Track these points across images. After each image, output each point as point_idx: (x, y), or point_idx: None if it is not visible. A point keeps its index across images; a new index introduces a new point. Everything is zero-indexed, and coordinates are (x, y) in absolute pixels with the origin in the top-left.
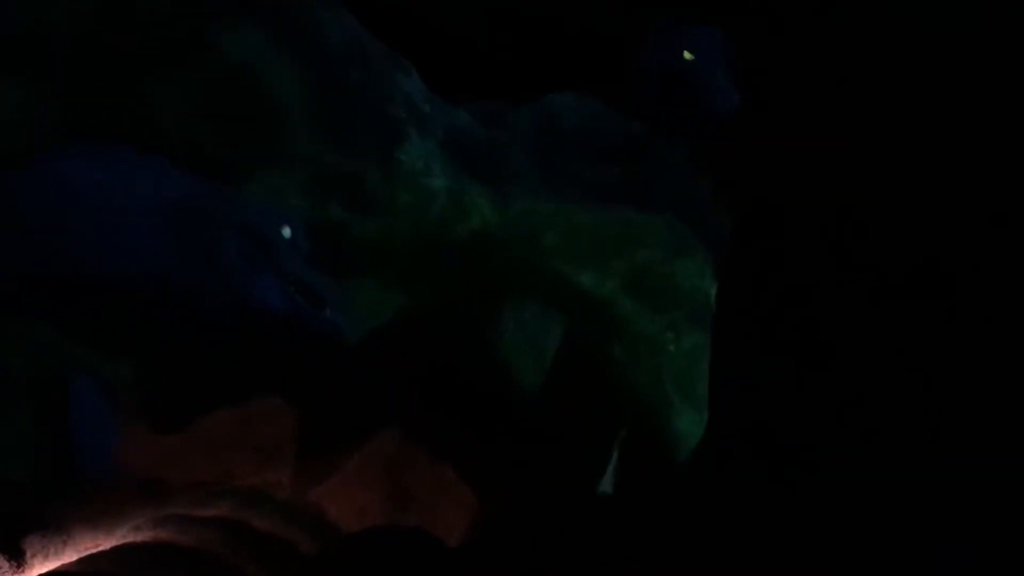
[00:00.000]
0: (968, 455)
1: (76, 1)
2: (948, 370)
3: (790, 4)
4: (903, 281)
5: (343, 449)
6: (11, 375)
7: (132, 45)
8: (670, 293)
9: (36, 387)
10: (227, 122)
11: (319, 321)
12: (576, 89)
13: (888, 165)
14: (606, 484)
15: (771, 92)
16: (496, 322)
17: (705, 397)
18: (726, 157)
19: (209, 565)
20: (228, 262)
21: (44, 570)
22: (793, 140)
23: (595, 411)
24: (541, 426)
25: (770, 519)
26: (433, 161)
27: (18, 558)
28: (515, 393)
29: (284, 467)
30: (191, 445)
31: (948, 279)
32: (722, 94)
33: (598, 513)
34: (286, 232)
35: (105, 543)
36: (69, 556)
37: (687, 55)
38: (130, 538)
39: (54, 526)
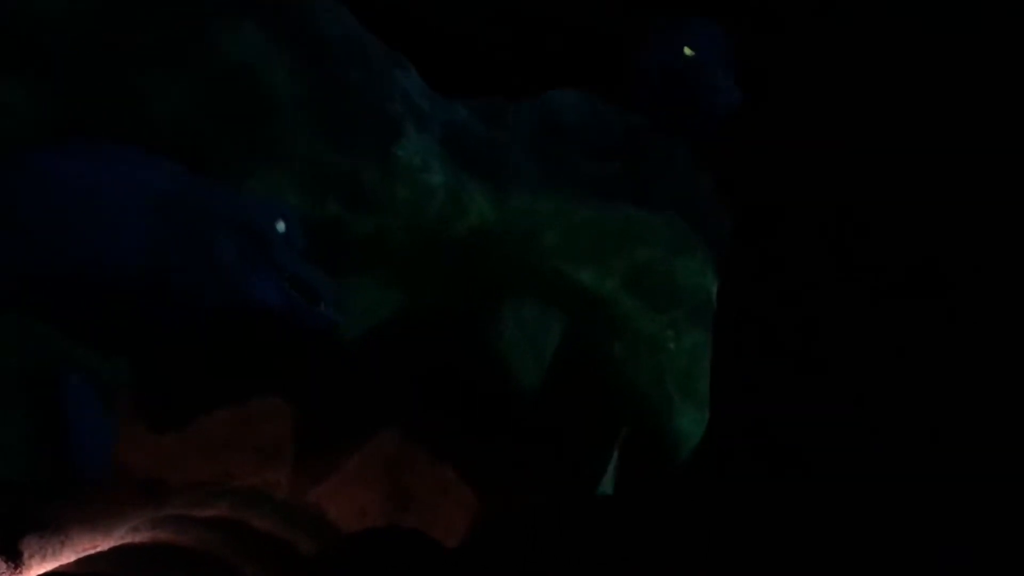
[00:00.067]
0: (968, 455)
1: (76, 0)
2: (948, 370)
3: (791, 1)
4: (904, 281)
5: (343, 449)
6: (6, 373)
7: (130, 43)
8: (671, 291)
9: (32, 385)
10: (224, 119)
11: (315, 317)
12: (576, 86)
13: (889, 164)
14: (606, 484)
15: (772, 90)
16: (495, 320)
17: (706, 396)
18: (727, 155)
19: (208, 565)
20: (223, 257)
21: (42, 571)
22: (794, 138)
23: (595, 410)
24: (541, 425)
25: (771, 519)
26: (431, 158)
27: (16, 559)
28: (514, 392)
29: (283, 467)
30: (190, 445)
31: (948, 279)
32: (723, 91)
33: (598, 513)
34: (281, 227)
35: (103, 544)
36: (67, 557)
37: (687, 52)
38: (128, 539)
39: (52, 527)
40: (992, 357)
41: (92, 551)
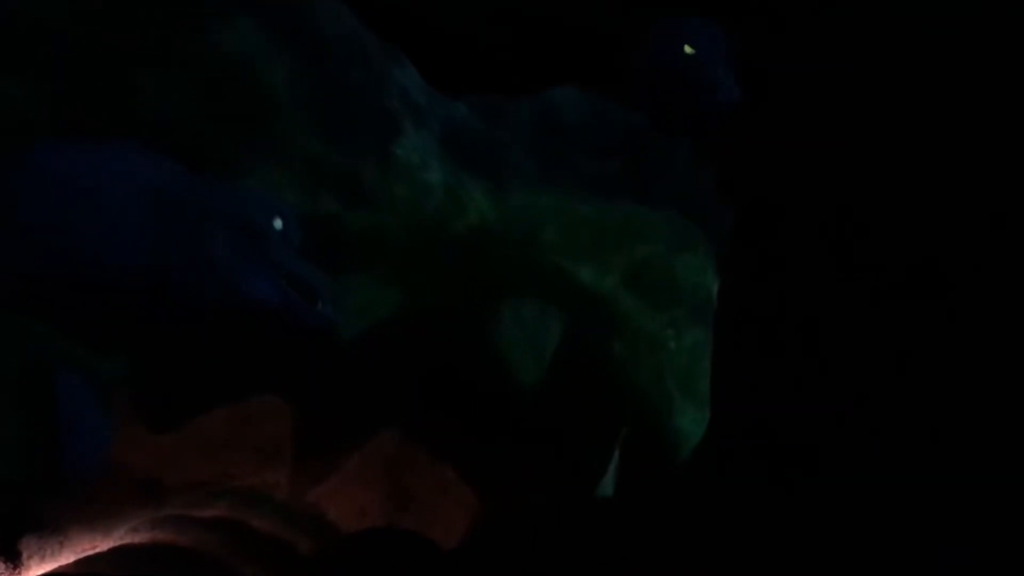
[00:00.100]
0: (969, 455)
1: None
2: (950, 370)
3: None
4: (906, 280)
5: (343, 449)
6: (3, 372)
7: (129, 41)
8: (671, 289)
9: (27, 384)
10: (223, 117)
11: (313, 316)
12: (576, 84)
13: (891, 162)
14: (607, 485)
15: (773, 88)
16: (494, 319)
17: (707, 395)
18: (728, 152)
19: (208, 566)
20: (219, 254)
21: (41, 571)
22: (796, 136)
23: (595, 409)
24: (540, 425)
25: (773, 519)
26: (429, 155)
27: (14, 559)
28: (514, 391)
29: (283, 467)
30: (189, 445)
31: (950, 279)
32: (723, 90)
33: (598, 513)
34: (278, 224)
35: (103, 544)
36: (66, 558)
37: (688, 50)
38: (128, 539)
39: (51, 527)
40: (994, 357)
41: (91, 552)
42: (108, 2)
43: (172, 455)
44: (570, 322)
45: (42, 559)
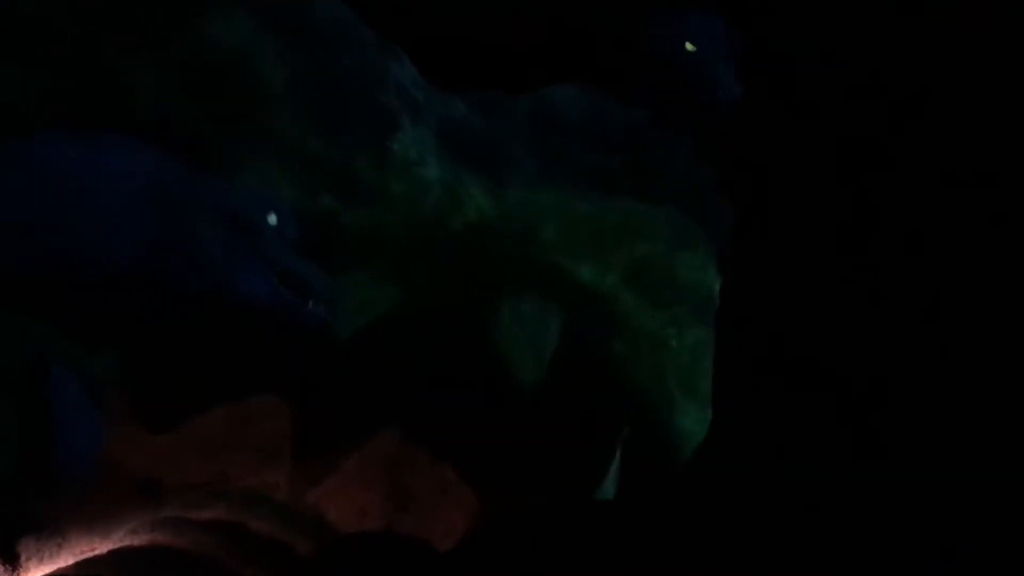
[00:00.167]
0: (971, 456)
1: None
2: (952, 370)
3: None
4: (908, 280)
5: (342, 449)
6: None
7: (121, 33)
8: (672, 287)
9: (20, 381)
10: (218, 111)
11: (305, 312)
12: (576, 81)
13: (894, 159)
14: (608, 486)
15: (775, 84)
16: (494, 317)
17: (709, 394)
18: (729, 149)
19: (207, 568)
20: (211, 249)
21: (40, 573)
22: (798, 133)
23: (595, 408)
24: (540, 424)
25: (775, 520)
26: (427, 151)
27: (13, 561)
28: (513, 389)
29: (282, 468)
30: (187, 445)
31: (953, 278)
32: (724, 86)
33: (599, 513)
34: (273, 219)
35: (102, 546)
36: (65, 559)
37: (689, 46)
38: (127, 541)
39: (49, 529)
40: (996, 356)
41: (90, 553)
42: None
43: (171, 455)
44: (570, 320)
45: (41, 561)
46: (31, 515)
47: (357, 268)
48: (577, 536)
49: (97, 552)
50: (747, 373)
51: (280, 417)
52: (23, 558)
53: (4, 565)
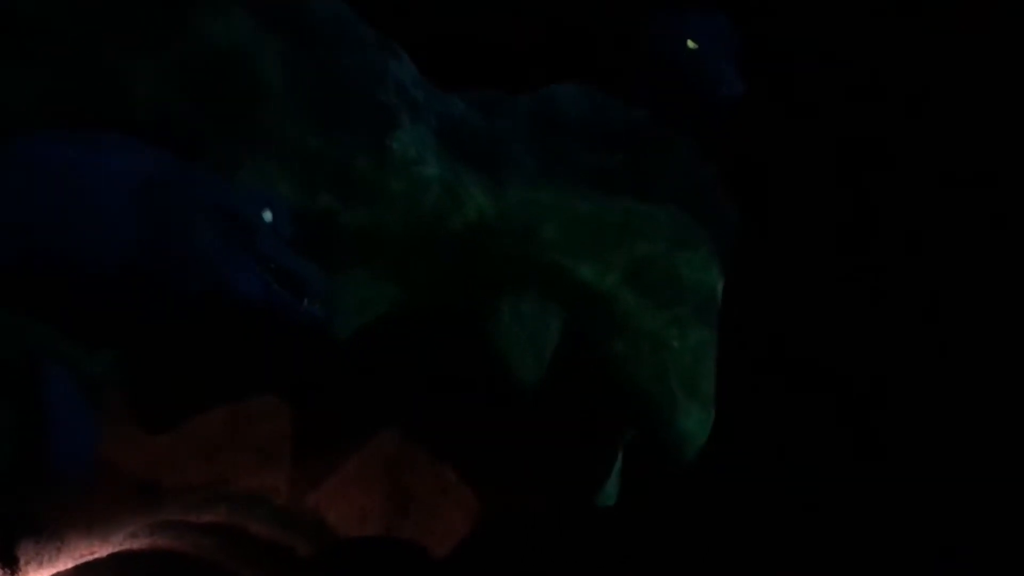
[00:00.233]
0: (970, 456)
1: None
2: (952, 370)
3: None
4: (911, 280)
5: (342, 450)
6: None
7: (122, 31)
8: (674, 287)
9: (14, 380)
10: (215, 109)
11: (300, 312)
12: (577, 78)
13: (895, 159)
14: (610, 491)
15: (777, 81)
16: (493, 316)
17: (711, 395)
18: (732, 147)
19: (207, 572)
20: (203, 245)
21: None
22: (798, 133)
23: (596, 409)
24: (541, 424)
25: (778, 522)
26: (426, 149)
27: (12, 564)
28: (514, 390)
29: (282, 469)
30: (185, 446)
31: (957, 278)
32: (726, 83)
33: (601, 515)
34: (268, 216)
35: (101, 550)
36: (64, 563)
37: (691, 44)
38: (127, 545)
39: (48, 532)
40: (999, 356)
41: (90, 557)
42: None
43: (169, 456)
44: (570, 320)
45: (40, 564)
46: (30, 518)
47: (356, 267)
48: (579, 537)
49: (96, 555)
50: (747, 373)
51: (279, 417)
52: (22, 561)
53: (3, 568)
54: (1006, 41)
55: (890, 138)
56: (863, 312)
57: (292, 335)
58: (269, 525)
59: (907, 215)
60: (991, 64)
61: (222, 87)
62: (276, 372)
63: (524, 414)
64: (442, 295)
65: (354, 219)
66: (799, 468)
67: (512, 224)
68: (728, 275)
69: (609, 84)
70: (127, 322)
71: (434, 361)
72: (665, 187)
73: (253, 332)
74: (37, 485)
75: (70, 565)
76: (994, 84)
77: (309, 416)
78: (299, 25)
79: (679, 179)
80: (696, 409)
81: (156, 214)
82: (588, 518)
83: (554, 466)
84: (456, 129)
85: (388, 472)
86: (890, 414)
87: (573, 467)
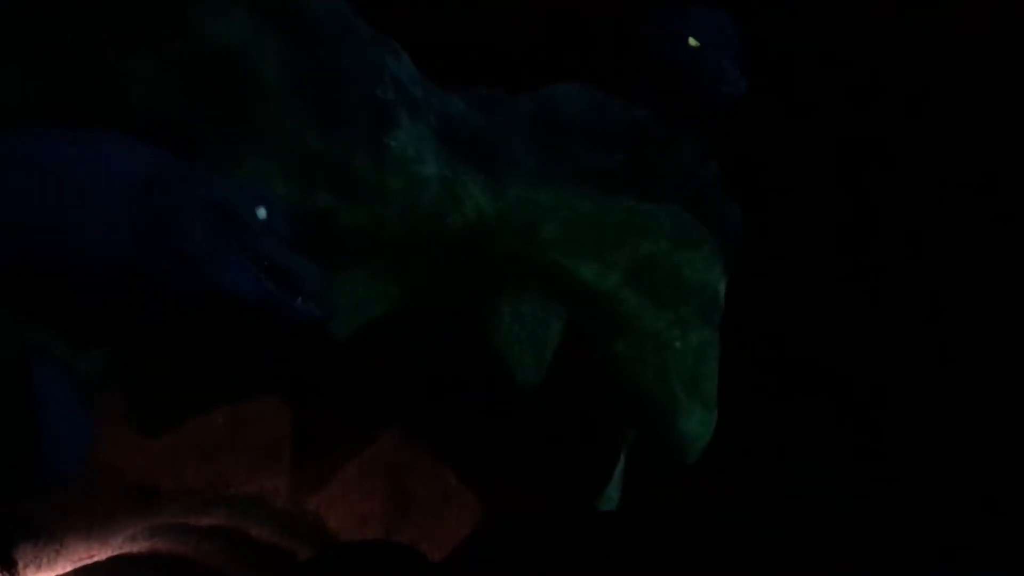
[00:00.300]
0: (971, 456)
1: None
2: (953, 370)
3: None
4: (914, 279)
5: (343, 452)
6: None
7: (121, 31)
8: (676, 287)
9: (8, 381)
10: (212, 106)
11: (294, 309)
12: (577, 77)
13: (895, 159)
14: (612, 494)
15: (775, 84)
16: (493, 316)
17: (714, 396)
18: (730, 147)
19: None
20: (195, 242)
21: None
22: (798, 133)
23: (598, 410)
24: (542, 425)
25: (782, 524)
26: (425, 148)
27: (10, 568)
28: (514, 390)
29: (282, 471)
30: (183, 447)
31: (953, 279)
32: (729, 82)
33: (602, 517)
34: (261, 212)
35: (100, 553)
36: (63, 566)
37: (693, 41)
38: (126, 548)
39: (46, 535)
40: (996, 357)
41: (88, 561)
42: None
43: (168, 458)
44: (571, 320)
45: (38, 567)
46: (28, 520)
47: (356, 267)
48: (580, 539)
49: (96, 559)
50: (746, 373)
51: (279, 419)
52: (20, 564)
53: (1, 572)
54: (1006, 41)
55: (890, 138)
56: (863, 312)
57: (290, 334)
58: (269, 528)
59: (907, 215)
60: (991, 64)
61: (222, 86)
62: (275, 373)
63: (524, 415)
64: (442, 295)
65: (353, 218)
66: (799, 468)
67: (512, 223)
68: (732, 275)
69: (609, 83)
70: (125, 322)
71: (434, 361)
72: (667, 186)
73: (250, 331)
74: (30, 485)
75: (69, 568)
76: (994, 84)
77: (309, 417)
78: (298, 23)
79: (681, 178)
80: (699, 410)
81: (155, 213)
82: (590, 520)
83: (555, 468)
84: (456, 128)
85: (388, 474)
86: (891, 414)
87: (575, 469)
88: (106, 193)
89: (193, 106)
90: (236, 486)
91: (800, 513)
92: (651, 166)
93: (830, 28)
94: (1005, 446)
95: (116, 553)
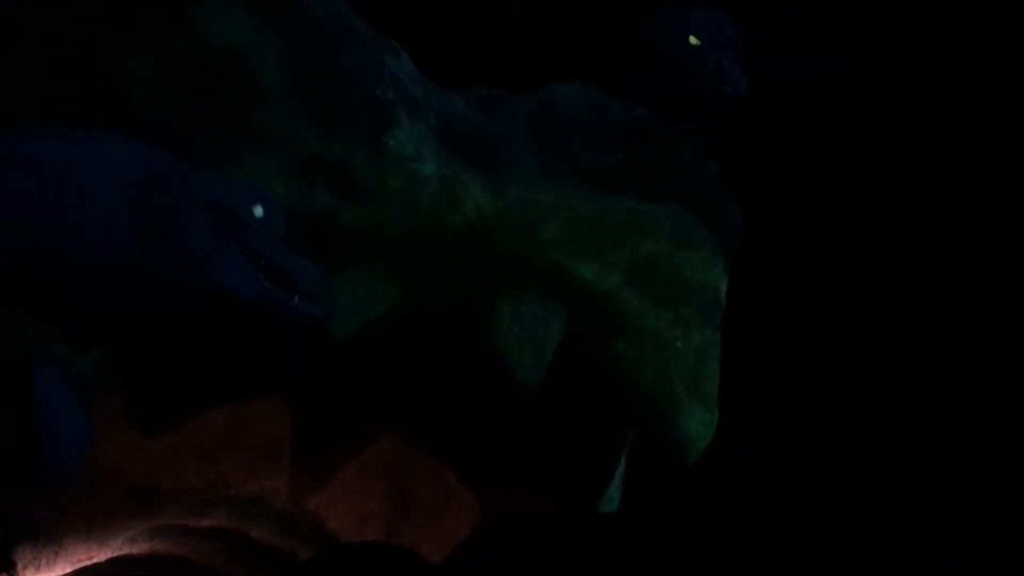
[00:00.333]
0: (971, 456)
1: None
2: (953, 370)
3: None
4: (910, 279)
5: (343, 452)
6: None
7: (121, 31)
8: (677, 287)
9: (7, 380)
10: (211, 106)
11: (292, 309)
12: (577, 77)
13: (895, 159)
14: (613, 496)
15: (775, 84)
16: (493, 316)
17: (715, 396)
18: (734, 146)
19: None
20: (193, 242)
21: None
22: (798, 133)
23: (599, 411)
24: (542, 426)
25: (784, 525)
26: (424, 147)
27: (9, 569)
28: (514, 391)
29: (282, 472)
30: (183, 448)
31: (953, 279)
32: (729, 81)
33: (603, 517)
34: (259, 211)
35: (99, 555)
36: (62, 568)
37: (693, 41)
38: (126, 549)
39: (45, 536)
40: (996, 358)
41: (88, 562)
42: None
43: (168, 459)
44: (571, 320)
45: (37, 568)
46: (27, 521)
47: (356, 267)
48: (581, 540)
49: (95, 560)
50: (746, 374)
51: (279, 419)
52: (19, 566)
53: (1, 572)
54: (1006, 41)
55: (890, 138)
56: (863, 312)
57: (289, 334)
58: (269, 529)
59: (907, 215)
60: (991, 64)
61: (222, 86)
62: (275, 372)
63: (524, 415)
64: (442, 295)
65: (353, 218)
66: (799, 468)
67: (512, 223)
68: (733, 274)
69: (609, 83)
70: (124, 322)
71: (434, 361)
72: (667, 186)
73: (250, 331)
74: (30, 485)
75: (68, 570)
76: (994, 84)
77: (309, 417)
78: (298, 23)
79: (681, 178)
80: (700, 410)
81: (154, 213)
82: (590, 521)
83: (555, 468)
84: (455, 127)
85: (388, 475)
86: (890, 414)
87: (575, 469)
88: (106, 193)
89: (193, 106)
90: (236, 486)
91: (800, 513)
92: (651, 166)
93: (830, 28)
94: (1005, 446)
95: (116, 554)
